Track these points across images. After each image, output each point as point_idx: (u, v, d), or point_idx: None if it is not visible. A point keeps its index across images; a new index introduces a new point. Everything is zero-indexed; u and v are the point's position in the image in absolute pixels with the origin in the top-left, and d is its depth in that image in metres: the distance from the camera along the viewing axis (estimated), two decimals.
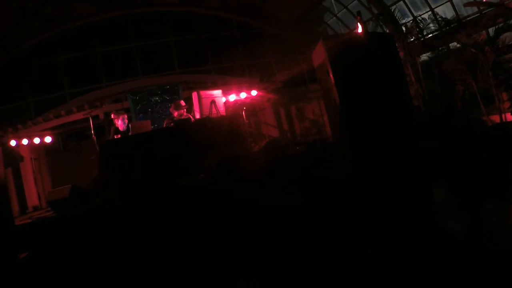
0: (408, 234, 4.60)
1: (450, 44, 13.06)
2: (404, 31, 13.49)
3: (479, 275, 3.28)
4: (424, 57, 13.87)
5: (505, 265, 3.31)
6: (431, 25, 13.48)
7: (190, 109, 8.43)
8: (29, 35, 14.76)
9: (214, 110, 7.66)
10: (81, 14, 15.55)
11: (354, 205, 5.15)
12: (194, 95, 7.90)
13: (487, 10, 12.40)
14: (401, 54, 12.39)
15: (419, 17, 14.12)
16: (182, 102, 8.15)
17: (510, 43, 11.03)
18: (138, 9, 16.75)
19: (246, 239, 5.26)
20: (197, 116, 7.79)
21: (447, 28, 12.98)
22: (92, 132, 8.71)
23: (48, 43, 15.32)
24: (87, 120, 9.47)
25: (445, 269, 3.52)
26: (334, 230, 5.28)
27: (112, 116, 8.12)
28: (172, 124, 7.85)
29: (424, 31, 13.62)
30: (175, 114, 8.05)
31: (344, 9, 17.76)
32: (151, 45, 16.89)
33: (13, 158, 12.63)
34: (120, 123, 7.86)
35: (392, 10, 14.78)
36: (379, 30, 14.48)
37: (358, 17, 5.55)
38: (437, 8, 14.74)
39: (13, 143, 11.86)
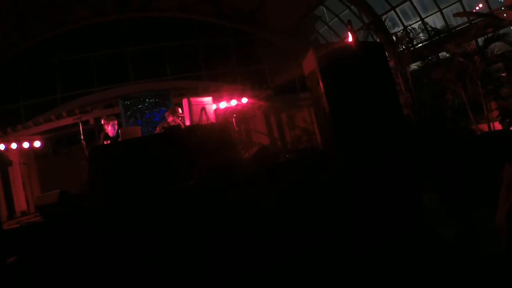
0: (399, 239, 4.65)
1: (439, 54, 13.14)
2: (395, 41, 13.59)
3: (465, 279, 3.32)
4: (414, 66, 13.95)
5: (492, 269, 3.37)
6: (421, 34, 13.57)
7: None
8: (24, 38, 14.72)
9: (204, 117, 7.66)
10: (76, 17, 15.55)
11: (346, 210, 5.18)
12: (185, 101, 7.89)
13: (477, 20, 12.55)
14: (391, 63, 12.46)
15: (409, 27, 14.19)
16: (179, 110, 8.14)
17: (499, 52, 11.14)
18: (133, 14, 16.78)
19: (238, 244, 5.26)
20: (187, 122, 7.79)
21: (437, 37, 13.07)
22: (82, 137, 8.68)
23: (41, 46, 15.32)
24: (77, 125, 9.45)
25: (432, 273, 3.56)
26: (324, 235, 5.31)
27: (102, 121, 8.09)
28: (162, 130, 7.85)
29: (414, 40, 13.72)
30: (170, 119, 8.06)
31: (336, 18, 17.88)
32: (144, 50, 16.92)
33: (2, 162, 12.52)
34: (110, 129, 7.83)
35: (383, 20, 14.91)
36: (369, 39, 14.57)
37: (349, 26, 5.61)
38: (427, 18, 14.92)
39: (2, 147, 11.75)
